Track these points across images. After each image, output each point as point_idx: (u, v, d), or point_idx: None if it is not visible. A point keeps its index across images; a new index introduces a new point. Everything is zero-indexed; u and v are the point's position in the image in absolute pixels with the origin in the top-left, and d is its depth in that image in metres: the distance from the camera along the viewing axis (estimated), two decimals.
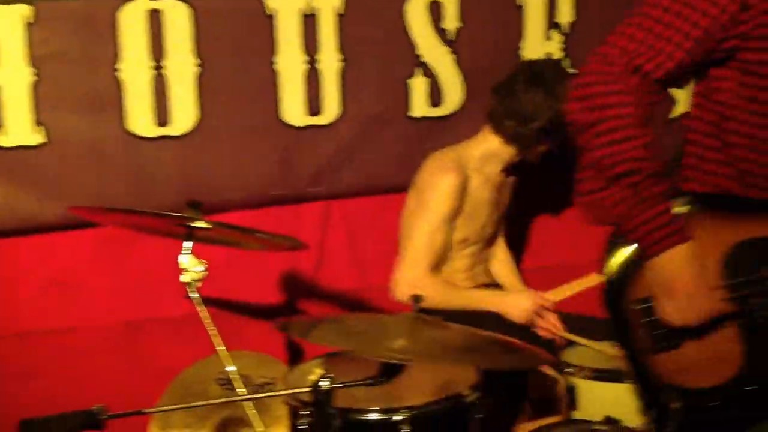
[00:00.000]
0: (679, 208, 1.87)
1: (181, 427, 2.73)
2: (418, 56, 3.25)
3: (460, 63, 3.29)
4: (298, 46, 3.09)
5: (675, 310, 1.85)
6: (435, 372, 2.38)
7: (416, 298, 2.09)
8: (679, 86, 1.96)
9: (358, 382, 1.92)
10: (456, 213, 2.90)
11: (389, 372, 1.93)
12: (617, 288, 1.94)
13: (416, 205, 2.93)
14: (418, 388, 2.27)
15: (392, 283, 2.88)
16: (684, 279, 1.83)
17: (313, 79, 3.13)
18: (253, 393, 2.58)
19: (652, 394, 1.92)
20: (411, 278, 2.84)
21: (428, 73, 3.27)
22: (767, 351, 1.86)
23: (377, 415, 2.14)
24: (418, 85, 3.27)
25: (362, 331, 2.04)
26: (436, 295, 2.78)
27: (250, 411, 2.32)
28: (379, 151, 3.25)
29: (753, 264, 1.85)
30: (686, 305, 1.84)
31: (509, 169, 3.04)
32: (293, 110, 3.13)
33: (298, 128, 3.14)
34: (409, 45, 3.24)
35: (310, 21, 3.08)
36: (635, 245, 1.89)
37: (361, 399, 2.17)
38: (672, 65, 1.80)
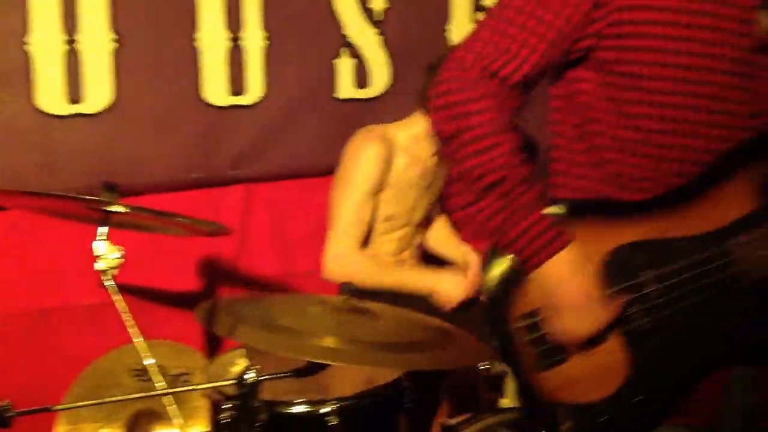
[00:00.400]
0: (553, 215, 1.81)
1: (91, 422, 2.65)
2: (344, 36, 3.24)
3: (388, 44, 3.28)
4: (221, 23, 3.05)
5: (565, 322, 1.77)
6: None
7: (347, 286, 2.05)
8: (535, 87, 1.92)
9: (285, 374, 1.84)
10: (380, 185, 2.87)
11: (317, 363, 1.86)
12: (499, 305, 1.84)
13: (341, 179, 2.91)
14: (346, 378, 2.22)
15: (322, 262, 2.85)
16: (570, 288, 1.75)
17: (236, 57, 3.08)
18: (170, 384, 2.47)
19: (542, 414, 1.86)
20: (339, 254, 2.82)
21: (355, 53, 3.27)
22: (652, 359, 1.80)
23: (305, 407, 2.08)
24: (345, 66, 3.26)
25: (288, 327, 1.95)
26: (366, 271, 2.77)
27: (170, 404, 2.21)
28: (303, 133, 3.22)
29: (632, 269, 1.80)
30: (576, 316, 1.76)
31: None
32: (215, 89, 3.07)
33: (220, 108, 3.08)
34: (336, 24, 3.22)
35: None
36: (508, 261, 1.82)
37: (286, 391, 2.11)
38: (528, 68, 1.75)
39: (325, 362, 1.81)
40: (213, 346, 3.05)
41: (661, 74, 1.75)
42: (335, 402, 2.08)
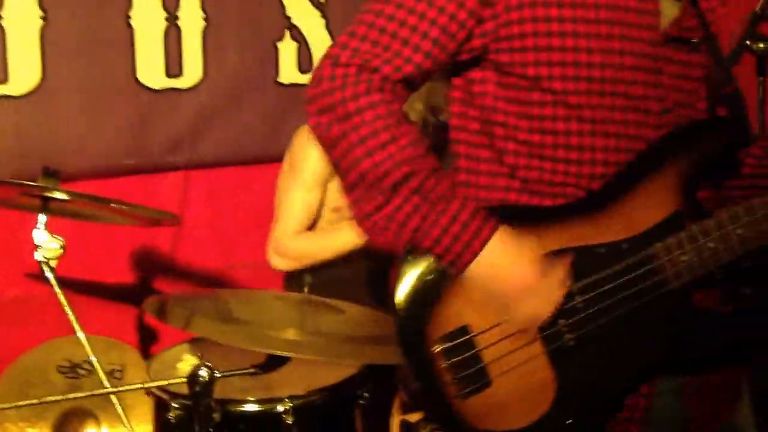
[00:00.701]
0: None
1: (17, 421, 2.59)
2: (288, 18, 3.23)
3: (331, 28, 3.27)
4: (157, 1, 2.99)
5: (527, 306, 1.66)
6: None
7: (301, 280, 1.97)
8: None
9: (241, 371, 1.76)
10: (329, 174, 2.82)
11: (274, 360, 1.79)
12: (414, 326, 1.66)
13: (289, 169, 2.87)
14: (301, 375, 2.17)
15: (267, 252, 2.81)
16: (520, 269, 1.65)
17: (173, 38, 3.03)
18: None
19: None
20: (284, 243, 2.78)
21: (297, 37, 3.25)
22: (579, 378, 1.71)
23: (259, 406, 2.03)
24: (287, 49, 3.24)
25: (247, 320, 1.88)
26: (309, 253, 2.72)
27: (116, 403, 2.15)
28: (245, 119, 3.20)
29: None
30: (536, 296, 1.65)
31: None
32: (151, 71, 3.02)
33: (156, 91, 3.03)
34: (279, 6, 3.21)
35: None
36: (425, 269, 1.66)
37: (239, 388, 2.05)
38: (411, 68, 1.65)
39: (286, 354, 1.74)
40: (147, 340, 2.99)
41: (562, 73, 1.69)
42: (290, 400, 2.03)
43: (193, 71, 3.07)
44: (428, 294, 1.66)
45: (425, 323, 1.65)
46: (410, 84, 1.68)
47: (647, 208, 1.71)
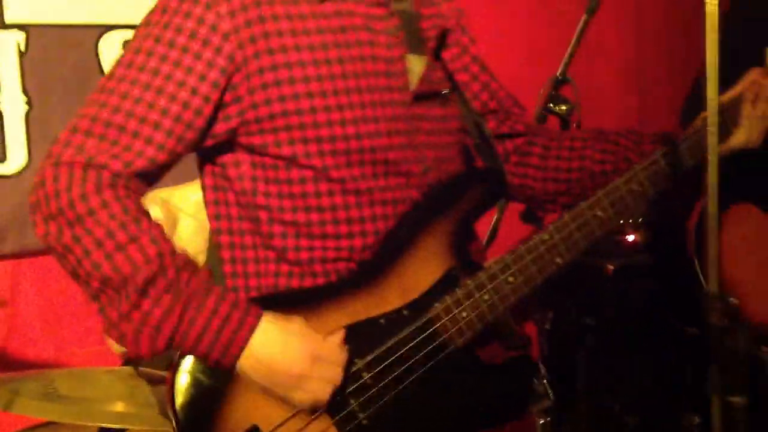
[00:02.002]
0: None
1: None
2: None
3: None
4: None
5: (308, 390, 1.56)
6: None
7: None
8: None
9: None
10: None
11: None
12: None
13: None
14: None
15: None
16: (295, 351, 1.55)
17: None
18: None
19: None
20: None
21: None
22: None
23: None
24: None
25: (75, 396, 1.80)
26: None
27: None
28: None
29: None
30: (317, 377, 1.55)
31: None
32: None
33: None
34: None
35: None
36: (199, 376, 1.56)
37: None
38: (144, 163, 1.53)
39: (116, 427, 1.67)
40: None
41: (319, 150, 1.62)
42: None
43: (16, 157, 2.98)
44: (209, 403, 1.56)
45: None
46: (147, 177, 1.55)
47: (421, 271, 1.66)
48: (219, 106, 1.57)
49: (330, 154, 1.62)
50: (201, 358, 1.52)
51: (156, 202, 2.75)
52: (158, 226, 1.53)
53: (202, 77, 1.55)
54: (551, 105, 2.57)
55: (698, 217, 2.69)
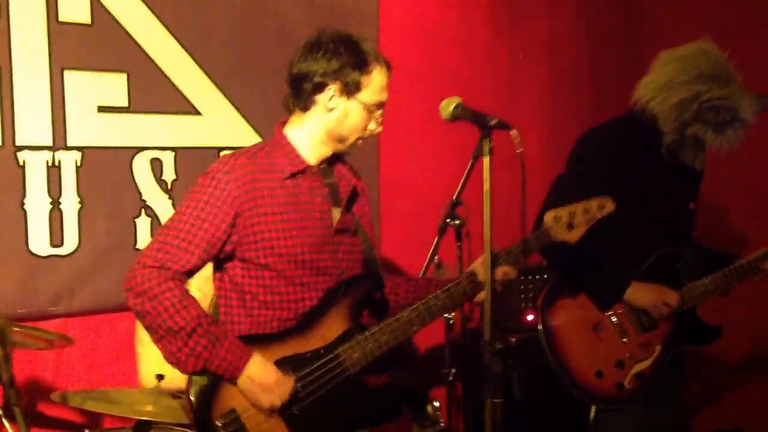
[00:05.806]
0: None
1: None
2: (143, 200, 3.70)
3: (175, 205, 3.70)
4: (44, 189, 3.47)
5: (267, 399, 2.44)
6: None
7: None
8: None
9: None
10: None
11: None
12: (205, 410, 2.48)
13: None
14: None
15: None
16: (264, 377, 2.44)
17: (56, 216, 3.46)
18: None
19: None
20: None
21: (150, 213, 3.71)
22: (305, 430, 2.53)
23: None
24: (143, 224, 3.72)
25: (118, 400, 2.55)
26: None
27: None
28: (110, 277, 3.59)
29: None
30: (273, 393, 2.45)
31: None
32: (39, 242, 3.45)
33: (42, 257, 3.47)
34: (136, 191, 3.69)
35: (54, 171, 3.49)
36: (207, 379, 2.48)
37: None
38: (191, 266, 2.46)
39: (148, 419, 2.50)
40: None
41: (279, 260, 2.53)
42: None
43: (70, 241, 3.50)
44: (210, 391, 2.48)
45: (211, 408, 2.48)
46: (189, 274, 2.50)
47: (333, 326, 2.59)
48: (228, 236, 2.51)
49: (285, 262, 2.55)
50: (217, 375, 2.45)
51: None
52: (195, 301, 2.45)
53: (222, 221, 2.49)
54: (448, 220, 3.29)
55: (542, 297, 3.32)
